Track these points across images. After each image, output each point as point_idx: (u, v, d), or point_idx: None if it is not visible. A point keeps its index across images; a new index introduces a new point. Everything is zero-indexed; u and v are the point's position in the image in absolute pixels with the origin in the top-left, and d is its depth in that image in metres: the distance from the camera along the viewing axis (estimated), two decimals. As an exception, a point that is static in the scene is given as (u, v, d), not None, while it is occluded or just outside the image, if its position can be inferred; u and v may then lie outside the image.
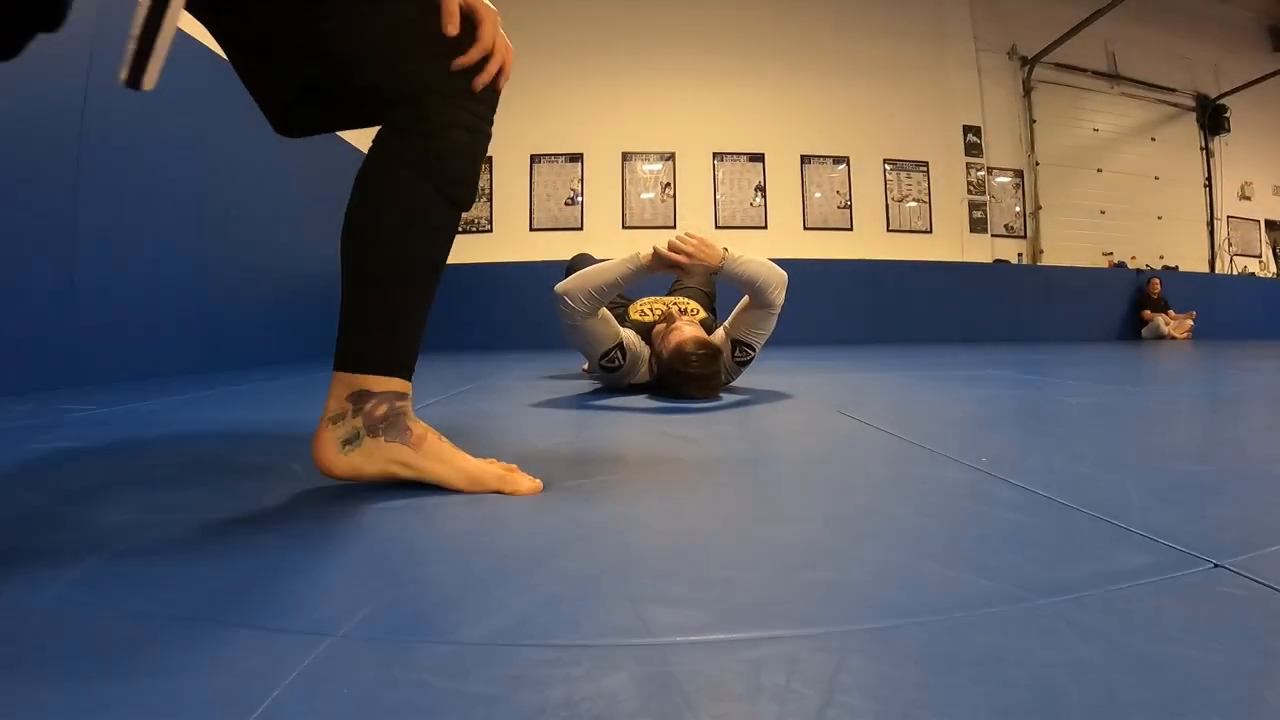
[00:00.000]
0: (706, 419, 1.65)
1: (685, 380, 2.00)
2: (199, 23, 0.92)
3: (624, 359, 2.16)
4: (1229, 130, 9.44)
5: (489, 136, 0.95)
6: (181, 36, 3.30)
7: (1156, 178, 9.29)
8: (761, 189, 7.83)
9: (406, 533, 0.75)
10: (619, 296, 2.43)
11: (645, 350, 2.24)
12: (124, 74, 0.68)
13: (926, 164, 8.17)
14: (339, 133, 5.09)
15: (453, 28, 0.85)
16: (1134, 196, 9.14)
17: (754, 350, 2.21)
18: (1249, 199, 9.72)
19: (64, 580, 0.60)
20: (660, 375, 2.15)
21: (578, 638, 0.48)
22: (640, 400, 2.02)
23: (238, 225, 4.19)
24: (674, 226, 7.48)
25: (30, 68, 2.71)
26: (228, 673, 0.43)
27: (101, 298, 3.05)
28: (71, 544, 0.71)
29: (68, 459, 1.25)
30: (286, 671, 0.42)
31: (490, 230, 7.49)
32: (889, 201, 8.09)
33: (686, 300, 2.50)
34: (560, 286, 2.05)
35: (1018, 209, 8.54)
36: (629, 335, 2.21)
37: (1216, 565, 0.61)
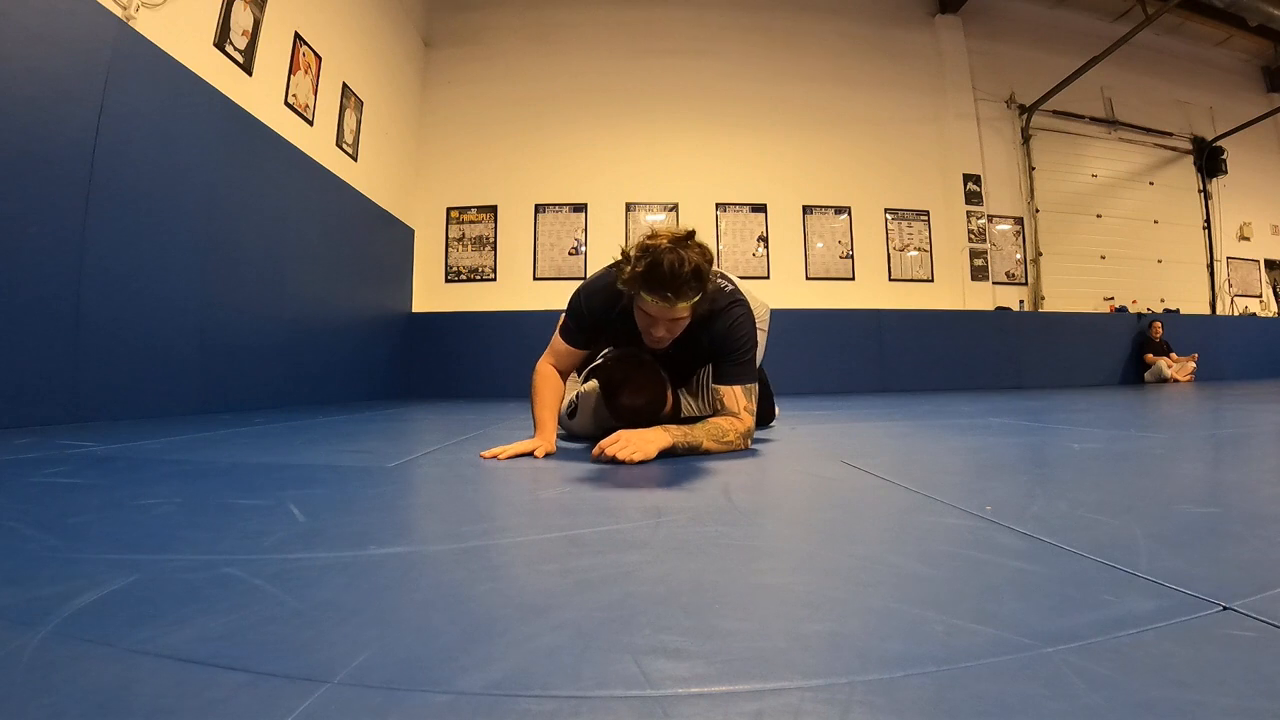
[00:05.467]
0: (708, 470, 1.65)
1: (610, 370, 2.03)
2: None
3: (577, 400, 2.27)
4: (1226, 172, 9.57)
5: None
6: (194, 79, 3.37)
7: (1156, 221, 9.39)
8: (764, 239, 7.92)
9: (406, 580, 0.75)
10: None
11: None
12: None
13: (927, 213, 8.27)
14: (349, 181, 5.17)
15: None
16: (1134, 241, 9.22)
17: None
18: (1248, 239, 9.80)
19: (57, 618, 0.60)
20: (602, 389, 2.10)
21: (577, 689, 0.47)
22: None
23: (243, 268, 4.25)
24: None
25: (43, 102, 2.79)
26: (220, 716, 0.43)
27: (105, 336, 3.08)
28: (65, 582, 0.71)
29: (64, 495, 1.25)
30: (280, 717, 0.42)
31: (494, 279, 7.56)
32: (890, 251, 8.17)
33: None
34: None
35: (1018, 256, 8.61)
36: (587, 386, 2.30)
37: (1225, 608, 0.60)
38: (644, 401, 1.97)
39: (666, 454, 1.77)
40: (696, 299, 1.81)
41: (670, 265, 1.73)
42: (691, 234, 1.82)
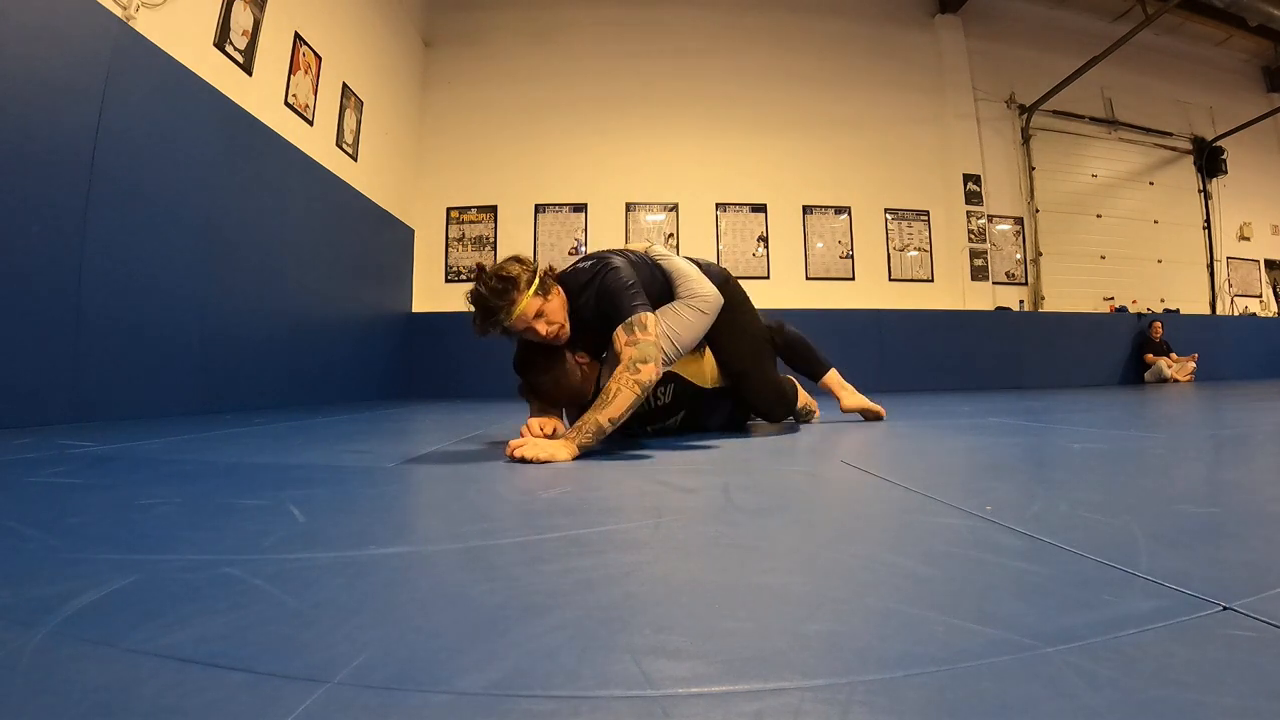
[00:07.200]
0: (708, 470, 1.65)
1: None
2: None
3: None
4: (1226, 172, 9.58)
5: None
6: (194, 79, 3.36)
7: (1156, 221, 9.39)
8: (764, 239, 7.92)
9: (406, 580, 0.75)
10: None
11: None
12: None
13: (927, 213, 8.27)
14: (349, 182, 5.13)
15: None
16: (1134, 241, 9.22)
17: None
18: (1248, 239, 9.81)
19: (58, 618, 0.60)
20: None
21: (577, 689, 0.47)
22: (641, 452, 2.02)
23: (243, 268, 4.24)
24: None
25: (43, 102, 2.79)
26: (220, 716, 0.43)
27: (105, 335, 3.08)
28: (65, 582, 0.71)
29: (64, 495, 1.25)
30: (280, 717, 0.42)
31: (495, 280, 7.53)
32: (891, 251, 8.17)
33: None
34: None
35: (1018, 256, 8.61)
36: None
37: (1225, 608, 0.60)
38: (550, 380, 2.16)
39: (587, 449, 1.90)
40: (532, 289, 2.01)
41: (488, 307, 2.00)
42: (478, 268, 2.06)
